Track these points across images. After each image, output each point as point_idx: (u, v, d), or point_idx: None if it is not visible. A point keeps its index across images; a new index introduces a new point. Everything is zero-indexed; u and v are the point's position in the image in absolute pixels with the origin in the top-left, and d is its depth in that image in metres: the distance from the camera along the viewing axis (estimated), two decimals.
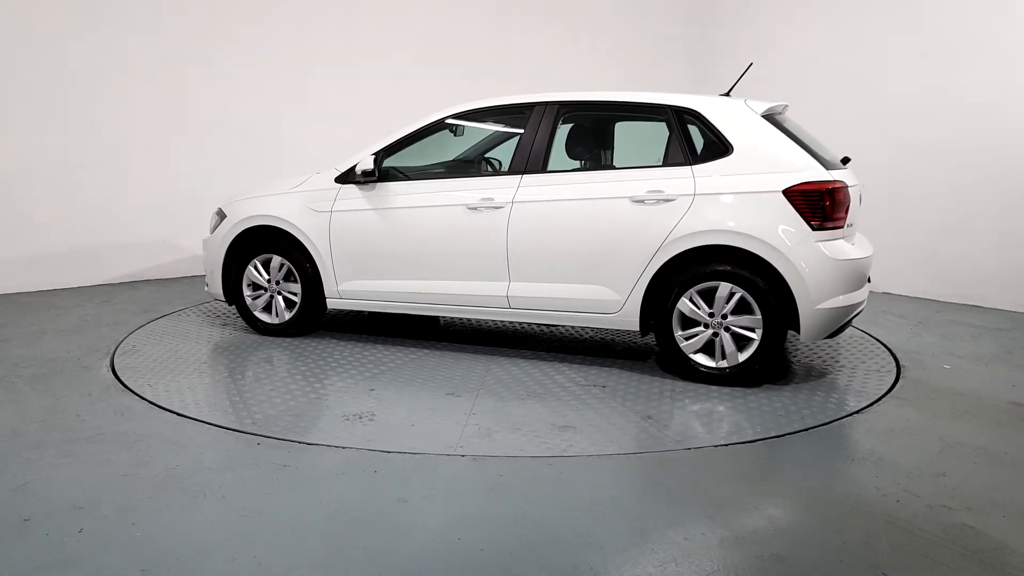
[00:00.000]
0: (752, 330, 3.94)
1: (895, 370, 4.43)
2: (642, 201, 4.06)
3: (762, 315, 3.89)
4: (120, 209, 6.76)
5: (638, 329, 4.17)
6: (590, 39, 8.72)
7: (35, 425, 3.43)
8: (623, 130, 4.90)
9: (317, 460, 3.09)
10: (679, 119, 4.17)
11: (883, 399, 3.92)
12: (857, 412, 3.72)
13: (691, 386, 4.05)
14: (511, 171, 4.39)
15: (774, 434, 3.42)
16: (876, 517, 2.64)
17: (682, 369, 4.14)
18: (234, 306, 5.05)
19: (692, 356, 4.07)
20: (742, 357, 3.98)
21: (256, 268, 4.87)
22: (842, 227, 3.96)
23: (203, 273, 5.23)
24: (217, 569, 2.27)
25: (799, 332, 3.91)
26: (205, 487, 2.82)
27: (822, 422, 3.57)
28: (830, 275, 3.85)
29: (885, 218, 6.79)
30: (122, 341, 4.87)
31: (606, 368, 4.39)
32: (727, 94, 4.47)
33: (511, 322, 5.24)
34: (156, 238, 6.94)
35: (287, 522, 2.57)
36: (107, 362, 4.42)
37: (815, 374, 4.35)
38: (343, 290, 4.70)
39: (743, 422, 3.56)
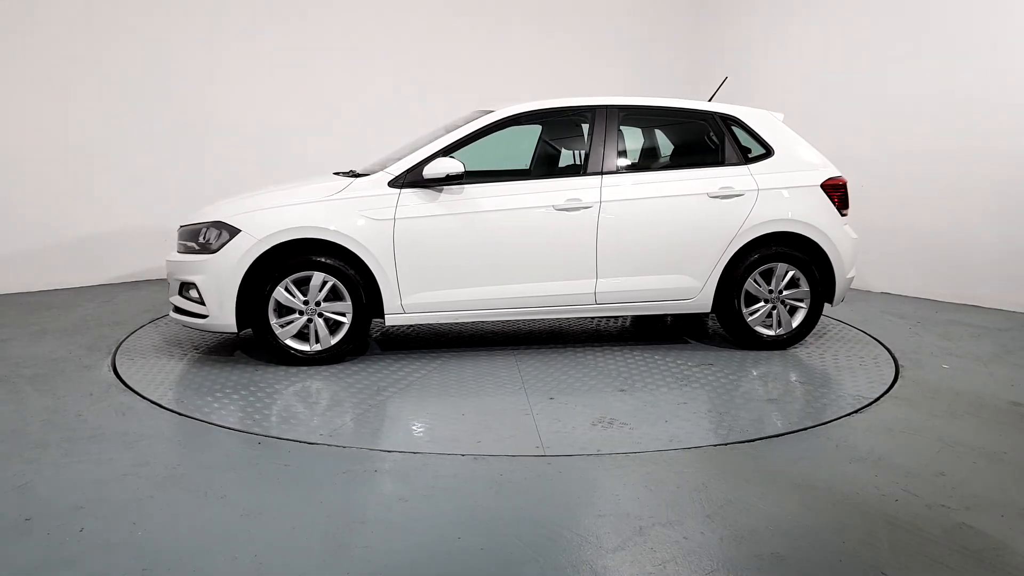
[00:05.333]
0: (801, 301, 4.72)
1: (894, 370, 4.43)
2: (718, 197, 4.60)
3: (810, 288, 4.68)
4: (121, 209, 6.77)
5: (710, 310, 4.70)
6: (589, 42, 8.73)
7: (36, 425, 3.43)
8: (665, 133, 5.19)
9: (317, 460, 3.09)
10: (725, 125, 4.77)
11: (882, 399, 3.92)
12: (856, 412, 3.72)
13: (762, 355, 4.70)
14: (588, 171, 4.54)
15: (774, 433, 3.42)
16: (875, 517, 2.65)
17: (747, 340, 4.73)
18: (240, 334, 4.61)
19: (756, 328, 4.70)
20: (794, 323, 4.75)
21: (287, 289, 4.22)
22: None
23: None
24: (218, 569, 2.28)
25: (830, 302, 4.78)
26: (206, 487, 2.83)
27: (821, 422, 3.58)
28: (852, 251, 4.81)
29: (885, 218, 6.80)
30: (123, 341, 4.87)
31: (684, 350, 4.81)
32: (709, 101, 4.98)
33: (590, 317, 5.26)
34: (157, 238, 6.94)
35: (287, 522, 2.57)
36: (108, 362, 4.43)
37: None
38: (409, 304, 4.34)
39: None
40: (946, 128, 6.37)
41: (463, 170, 4.27)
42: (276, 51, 7.27)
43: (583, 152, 4.63)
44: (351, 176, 4.68)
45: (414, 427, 3.55)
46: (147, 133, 6.80)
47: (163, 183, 6.92)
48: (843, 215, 4.76)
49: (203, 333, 4.96)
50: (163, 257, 4.66)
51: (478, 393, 3.95)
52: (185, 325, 4.44)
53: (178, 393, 3.90)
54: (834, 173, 4.79)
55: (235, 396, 3.85)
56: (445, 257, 4.34)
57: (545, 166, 5.15)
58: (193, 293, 4.28)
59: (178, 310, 4.42)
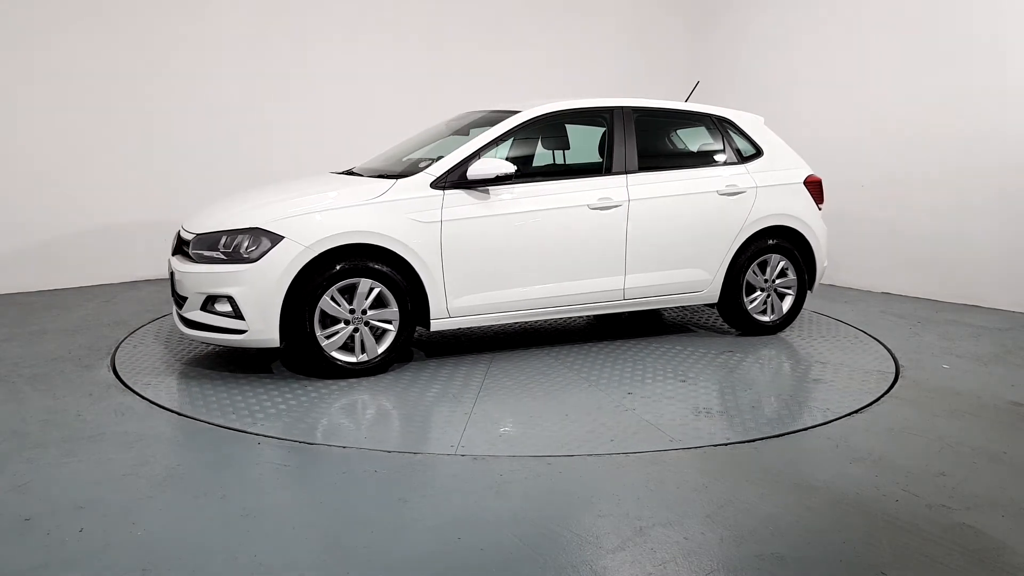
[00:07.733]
0: (789, 288, 5.14)
1: (894, 370, 4.43)
2: (725, 194, 4.90)
3: (796, 277, 5.11)
4: (121, 209, 6.77)
5: (716, 301, 5.01)
6: (585, 43, 8.73)
7: (36, 425, 3.43)
8: (673, 133, 5.32)
9: (317, 460, 3.09)
10: (722, 126, 5.10)
11: (882, 399, 3.92)
12: (856, 412, 3.72)
13: (766, 341, 5.10)
14: (613, 171, 4.68)
15: (774, 433, 3.42)
16: (876, 517, 2.65)
17: (748, 327, 5.11)
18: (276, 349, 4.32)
19: (756, 316, 5.08)
20: (784, 309, 5.16)
21: (333, 297, 3.99)
22: None
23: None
24: (217, 568, 2.28)
25: (810, 288, 5.24)
26: (206, 487, 2.83)
27: (821, 422, 3.58)
28: (825, 242, 5.28)
29: (885, 218, 6.80)
30: (123, 341, 4.87)
31: (694, 339, 5.09)
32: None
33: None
34: (157, 238, 6.94)
35: (287, 522, 2.57)
36: (108, 362, 4.42)
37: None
38: (455, 307, 4.26)
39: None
40: (946, 126, 6.37)
41: (513, 170, 4.22)
42: (272, 51, 7.27)
43: (607, 151, 4.73)
44: (349, 175, 4.66)
45: (534, 431, 3.40)
46: (147, 133, 6.80)
47: (163, 183, 6.91)
48: (819, 209, 5.23)
49: None
50: (163, 257, 4.59)
51: (557, 393, 3.92)
52: (210, 342, 4.13)
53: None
54: (810, 170, 5.25)
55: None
56: (491, 258, 4.31)
57: (575, 164, 5.12)
58: (223, 307, 3.91)
59: (195, 325, 4.02)
